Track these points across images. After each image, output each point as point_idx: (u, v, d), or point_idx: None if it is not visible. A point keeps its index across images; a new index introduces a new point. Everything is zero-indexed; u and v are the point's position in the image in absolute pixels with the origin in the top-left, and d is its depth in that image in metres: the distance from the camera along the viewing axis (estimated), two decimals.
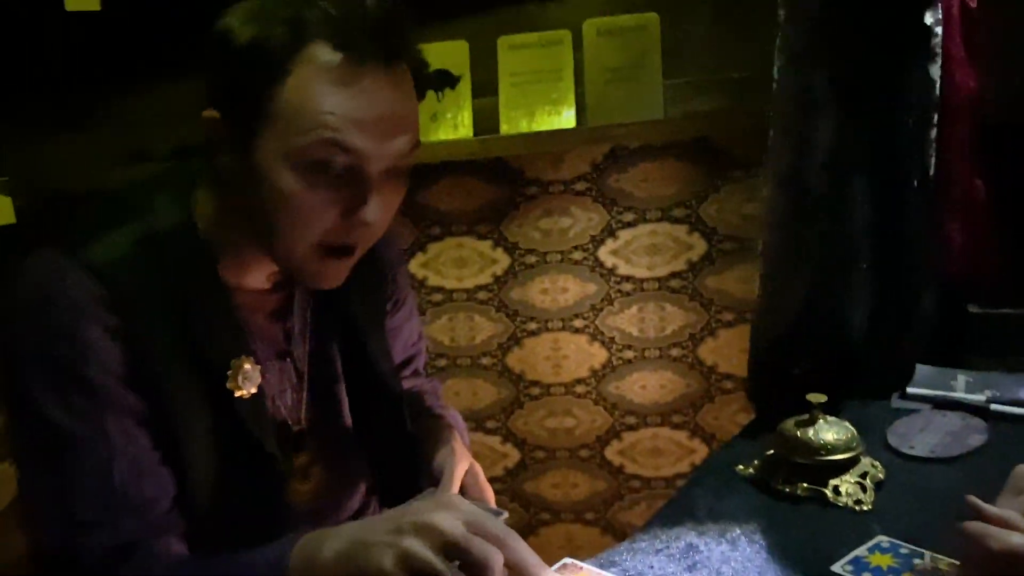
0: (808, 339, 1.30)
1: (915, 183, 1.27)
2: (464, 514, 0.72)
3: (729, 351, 1.87)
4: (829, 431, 1.02)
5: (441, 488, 1.01)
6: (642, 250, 1.86)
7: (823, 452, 1.01)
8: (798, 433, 1.03)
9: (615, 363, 1.93)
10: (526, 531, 2.05)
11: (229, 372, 0.92)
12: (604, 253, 1.88)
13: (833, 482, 1.00)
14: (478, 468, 1.07)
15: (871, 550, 0.88)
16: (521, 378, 1.98)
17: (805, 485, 1.01)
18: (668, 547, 0.92)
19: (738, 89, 1.67)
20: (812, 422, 1.03)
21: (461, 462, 1.04)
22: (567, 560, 0.87)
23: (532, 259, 1.91)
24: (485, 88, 1.75)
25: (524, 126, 1.74)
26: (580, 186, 1.86)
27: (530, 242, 1.90)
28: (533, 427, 2.00)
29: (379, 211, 0.89)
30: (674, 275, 1.87)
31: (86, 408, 0.85)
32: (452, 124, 1.77)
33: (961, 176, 1.34)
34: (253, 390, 0.93)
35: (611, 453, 1.99)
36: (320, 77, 0.82)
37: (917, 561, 0.85)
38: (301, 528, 0.81)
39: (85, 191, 1.72)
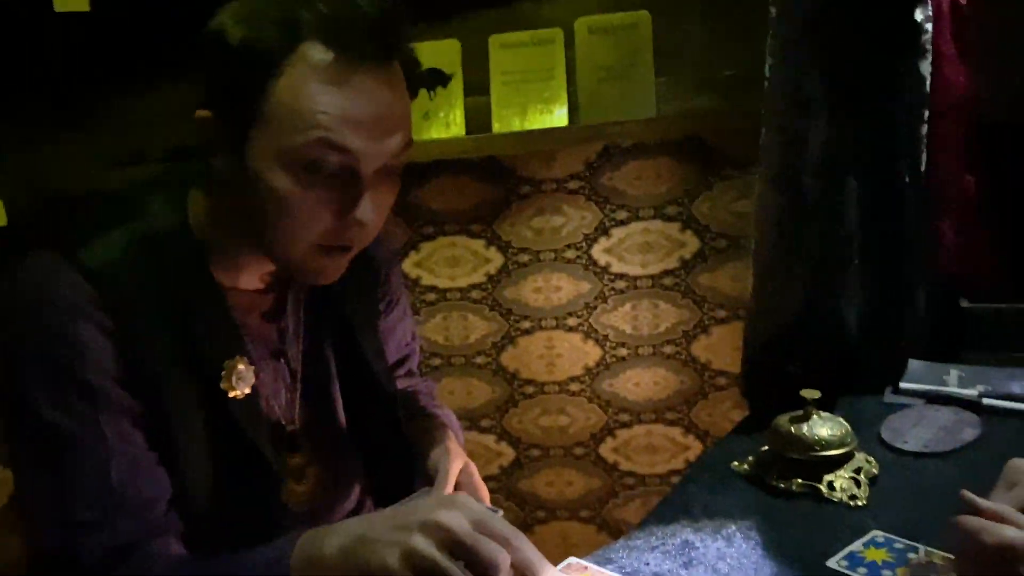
0: (802, 337, 1.30)
1: (907, 180, 1.28)
2: (470, 513, 0.72)
3: (722, 348, 1.88)
4: (823, 427, 1.03)
5: (436, 487, 1.01)
6: (635, 248, 1.87)
7: (817, 448, 1.01)
8: (792, 429, 1.03)
9: (609, 361, 1.94)
10: (522, 530, 2.03)
11: (223, 372, 0.92)
12: (597, 251, 1.88)
13: (828, 477, 1.01)
14: (473, 467, 1.07)
15: (866, 545, 0.88)
16: (515, 377, 1.98)
17: (800, 481, 1.02)
18: (664, 544, 0.92)
19: (730, 87, 1.67)
20: (806, 418, 1.03)
21: (456, 461, 1.04)
22: (571, 560, 0.87)
23: (525, 258, 1.91)
24: (477, 87, 1.75)
25: (516, 125, 1.75)
26: (573, 184, 1.86)
27: (523, 241, 1.90)
28: (528, 425, 2.00)
29: (373, 210, 0.89)
30: (667, 273, 1.87)
31: (82, 409, 0.85)
32: (444, 123, 1.77)
33: (952, 173, 1.35)
34: (247, 390, 0.93)
35: (605, 451, 1.99)
36: (313, 76, 0.82)
37: (912, 555, 0.85)
38: (297, 528, 0.81)
39: (80, 193, 1.72)
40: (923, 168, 1.28)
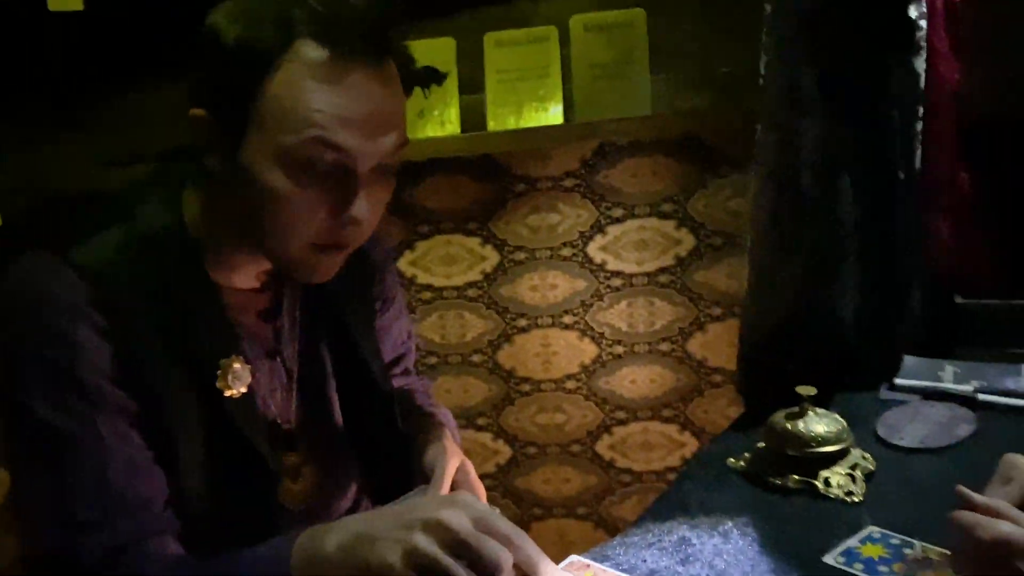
0: (798, 334, 1.31)
1: (902, 177, 1.28)
2: (473, 512, 0.72)
3: (718, 345, 1.88)
4: (819, 423, 1.03)
5: (432, 485, 1.01)
6: (631, 246, 1.87)
7: (813, 444, 1.02)
8: (788, 426, 1.03)
9: (605, 358, 1.94)
10: (519, 527, 2.05)
11: (219, 372, 0.92)
12: (593, 249, 1.88)
13: (824, 474, 1.01)
14: (469, 465, 1.07)
15: (862, 541, 0.88)
16: (512, 375, 1.98)
17: (796, 477, 1.02)
18: (661, 541, 0.92)
19: (726, 85, 1.68)
20: (802, 414, 1.04)
21: (452, 459, 1.04)
22: (573, 558, 0.87)
23: (521, 256, 1.91)
24: (472, 85, 1.75)
25: (512, 123, 1.74)
26: (568, 182, 1.86)
27: (519, 239, 1.90)
28: (524, 423, 2.00)
29: (368, 209, 0.89)
30: (663, 270, 1.87)
31: (80, 409, 0.84)
32: (439, 121, 1.77)
33: (947, 170, 1.35)
34: (243, 389, 0.93)
35: (602, 448, 1.99)
36: (307, 75, 0.82)
37: (908, 551, 0.85)
38: (293, 527, 0.81)
39: (75, 192, 1.72)
40: (918, 165, 1.28)
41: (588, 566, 0.86)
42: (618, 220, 1.86)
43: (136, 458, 0.87)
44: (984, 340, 1.33)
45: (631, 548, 0.91)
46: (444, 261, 1.94)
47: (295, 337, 1.04)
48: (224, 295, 0.95)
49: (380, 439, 1.10)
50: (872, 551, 0.86)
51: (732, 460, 1.10)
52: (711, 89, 1.70)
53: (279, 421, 1.02)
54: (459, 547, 0.69)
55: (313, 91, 0.82)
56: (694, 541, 0.91)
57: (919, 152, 1.28)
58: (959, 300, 1.36)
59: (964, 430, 1.11)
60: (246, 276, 0.98)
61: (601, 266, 1.89)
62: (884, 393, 1.25)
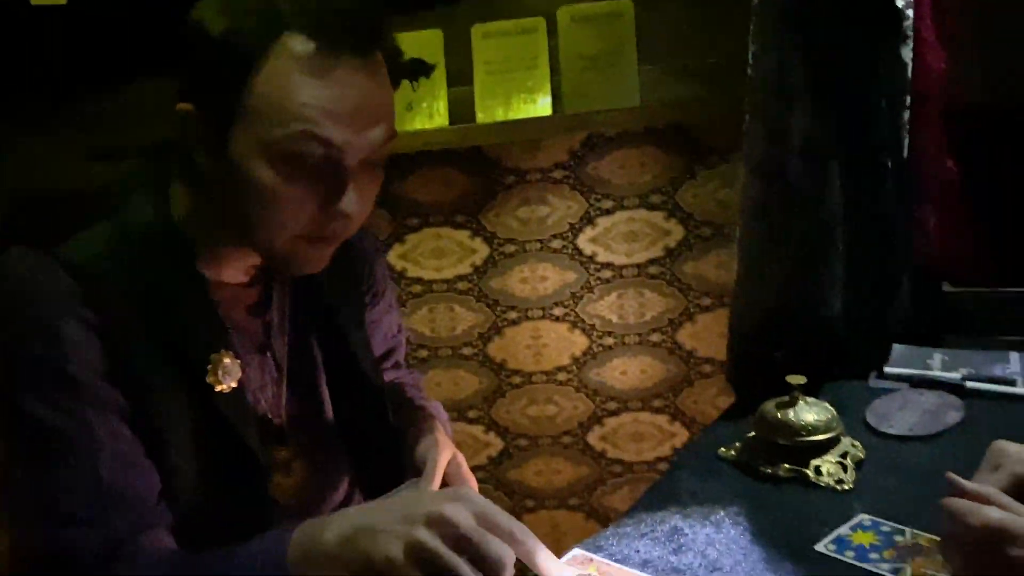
0: (787, 323, 1.31)
1: (889, 166, 1.28)
2: (475, 507, 0.71)
3: (708, 335, 1.88)
4: (809, 412, 1.03)
5: (424, 478, 1.01)
6: (620, 237, 1.87)
7: (804, 433, 1.02)
8: (779, 415, 1.04)
9: (595, 350, 1.94)
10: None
11: (209, 367, 0.91)
12: (583, 241, 1.88)
13: (814, 462, 1.01)
14: (461, 458, 1.07)
15: (853, 528, 0.89)
16: (502, 367, 1.98)
17: (787, 466, 1.02)
18: (653, 531, 0.92)
19: (714, 75, 1.67)
20: (792, 403, 1.04)
21: (444, 452, 1.04)
22: (576, 552, 0.87)
23: (511, 248, 1.91)
24: (460, 77, 1.75)
25: (500, 114, 1.74)
26: (558, 174, 1.86)
27: (509, 231, 1.90)
28: (515, 415, 2.01)
29: (357, 202, 0.88)
30: (652, 261, 1.87)
31: (70, 405, 0.84)
32: (427, 113, 1.76)
33: (934, 158, 1.36)
34: (233, 384, 0.93)
35: (593, 439, 1.99)
36: (295, 68, 0.82)
37: (899, 538, 0.86)
38: (285, 522, 0.81)
39: (62, 188, 1.70)
40: (905, 154, 1.29)
41: (591, 560, 0.86)
42: (607, 212, 1.86)
43: (127, 453, 0.86)
44: (972, 328, 1.34)
45: (624, 539, 0.91)
46: (434, 254, 1.94)
47: (285, 331, 1.04)
48: (213, 290, 0.95)
49: (371, 433, 1.09)
50: (863, 538, 0.87)
51: (723, 450, 1.10)
52: (699, 80, 1.70)
53: (269, 415, 1.01)
54: (462, 542, 0.69)
55: (300, 85, 0.82)
56: (686, 531, 0.92)
57: (906, 141, 1.28)
58: (947, 288, 1.37)
59: (953, 417, 1.12)
60: (235, 270, 0.97)
61: (591, 258, 1.89)
62: (873, 381, 1.26)
